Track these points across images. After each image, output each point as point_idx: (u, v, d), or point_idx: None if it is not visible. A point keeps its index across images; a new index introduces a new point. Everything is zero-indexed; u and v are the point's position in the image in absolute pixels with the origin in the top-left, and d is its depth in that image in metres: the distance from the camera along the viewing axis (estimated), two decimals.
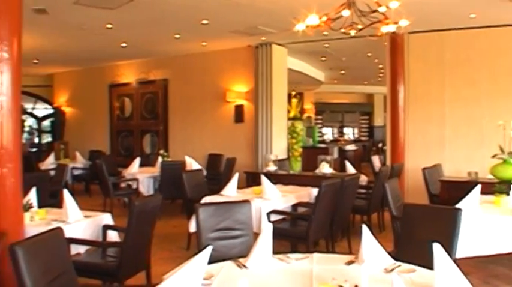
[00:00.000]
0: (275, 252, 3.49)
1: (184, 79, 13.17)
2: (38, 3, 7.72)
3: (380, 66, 14.54)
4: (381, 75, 16.28)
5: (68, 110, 16.27)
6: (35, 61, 13.33)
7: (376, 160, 11.09)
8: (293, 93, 17.09)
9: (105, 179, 9.48)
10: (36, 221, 4.94)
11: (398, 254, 3.65)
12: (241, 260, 3.39)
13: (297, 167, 9.68)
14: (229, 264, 3.34)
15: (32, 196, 5.37)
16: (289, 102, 15.12)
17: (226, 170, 10.31)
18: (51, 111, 17.52)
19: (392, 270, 3.09)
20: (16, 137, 4.37)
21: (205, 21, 9.24)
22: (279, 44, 11.71)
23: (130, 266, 4.57)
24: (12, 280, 3.65)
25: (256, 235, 3.86)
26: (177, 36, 10.61)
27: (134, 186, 9.79)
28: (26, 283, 2.85)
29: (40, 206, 5.42)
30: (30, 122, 18.81)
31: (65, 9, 8.22)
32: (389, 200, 5.44)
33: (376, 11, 5.33)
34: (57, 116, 16.67)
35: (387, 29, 5.58)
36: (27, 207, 4.98)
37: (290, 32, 7.09)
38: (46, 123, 18.55)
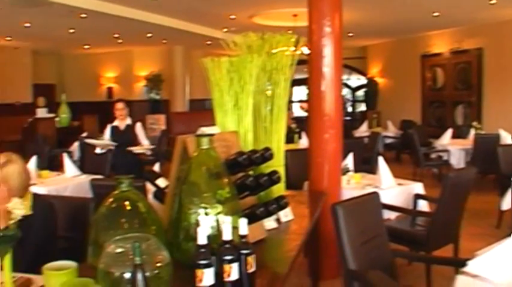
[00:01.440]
0: None
1: (501, 48, 12.24)
2: None
3: None
4: None
5: (380, 80, 16.66)
6: (350, 34, 13.90)
7: None
8: None
9: (416, 149, 9.51)
10: (351, 185, 5.25)
11: None
12: None
13: None
14: None
15: (349, 160, 5.69)
16: None
17: None
18: (364, 81, 18.14)
19: None
20: (337, 105, 4.69)
21: None
22: None
23: (438, 238, 4.55)
24: (330, 235, 3.98)
25: None
26: (492, 1, 9.93)
27: (445, 157, 9.63)
28: (343, 239, 3.08)
29: (355, 171, 5.72)
30: (344, 92, 19.77)
31: None
32: None
33: None
34: (370, 86, 17.19)
35: None
36: (345, 171, 5.32)
37: None
38: (359, 93, 19.27)
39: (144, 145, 7.06)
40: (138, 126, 7.17)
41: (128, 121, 7.14)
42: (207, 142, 2.28)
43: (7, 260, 2.30)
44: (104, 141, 7.05)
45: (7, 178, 2.78)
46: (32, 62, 15.73)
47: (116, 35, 13.26)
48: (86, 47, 15.57)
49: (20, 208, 2.40)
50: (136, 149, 6.91)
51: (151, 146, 7.37)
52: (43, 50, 15.98)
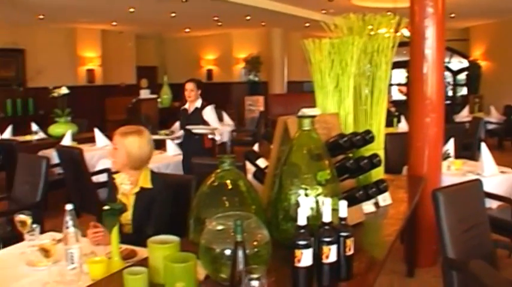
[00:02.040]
0: None
1: None
2: None
3: None
4: None
5: (483, 63, 15.92)
6: (452, 15, 13.35)
7: None
8: None
9: None
10: (452, 171, 5.09)
11: None
12: None
13: None
14: None
15: (450, 146, 5.51)
16: None
17: None
18: (466, 64, 17.42)
19: None
20: (439, 88, 4.55)
21: None
22: None
23: None
24: (429, 222, 3.90)
25: None
26: None
27: None
28: (443, 227, 3.00)
29: (456, 157, 5.53)
30: (445, 75, 19.01)
31: None
32: None
33: None
34: (473, 69, 16.47)
35: None
36: (445, 156, 5.16)
37: None
38: (461, 76, 18.53)
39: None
40: (208, 111, 6.21)
41: (198, 104, 6.20)
42: (309, 123, 2.29)
43: (115, 232, 2.44)
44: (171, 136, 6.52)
45: (126, 144, 2.98)
46: (136, 46, 16.34)
47: (216, 18, 13.48)
48: (187, 30, 15.95)
49: (126, 183, 2.54)
50: (196, 129, 6.10)
51: (220, 127, 6.45)
52: (146, 34, 16.54)
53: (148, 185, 3.04)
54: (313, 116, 2.33)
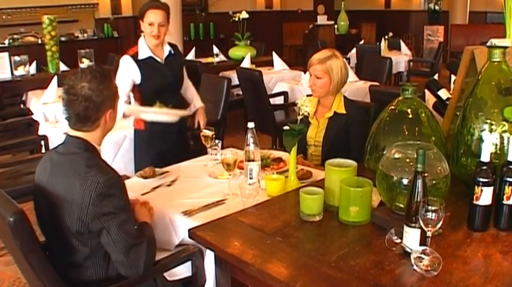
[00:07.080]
0: None
1: None
2: None
3: None
4: None
5: None
6: None
7: None
8: None
9: None
10: None
11: None
12: None
13: None
14: None
15: None
16: None
17: None
18: None
19: None
20: None
21: None
22: None
23: None
24: None
25: None
26: None
27: None
28: None
29: None
30: None
31: None
32: None
33: None
34: None
35: None
36: None
37: None
38: None
39: None
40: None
41: (167, 47, 3.63)
42: (499, 55, 2.14)
43: (293, 152, 2.54)
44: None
45: (329, 71, 3.09)
46: None
47: None
48: None
49: (307, 105, 2.59)
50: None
51: None
52: None
53: (342, 111, 3.14)
54: (505, 47, 2.17)
